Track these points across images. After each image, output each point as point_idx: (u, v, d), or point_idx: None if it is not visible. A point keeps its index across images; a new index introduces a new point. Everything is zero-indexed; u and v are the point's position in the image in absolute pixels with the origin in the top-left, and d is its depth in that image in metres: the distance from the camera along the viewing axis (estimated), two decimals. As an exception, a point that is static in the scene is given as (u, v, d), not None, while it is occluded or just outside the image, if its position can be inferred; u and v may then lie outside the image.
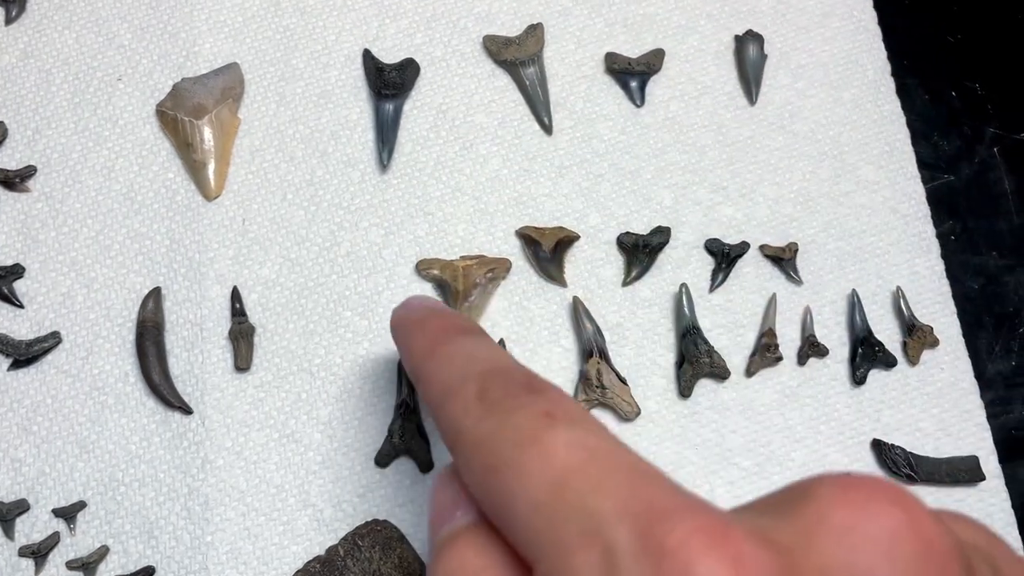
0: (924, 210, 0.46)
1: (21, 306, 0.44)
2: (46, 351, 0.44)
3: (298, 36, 0.49)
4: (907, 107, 0.48)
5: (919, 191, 0.46)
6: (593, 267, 0.45)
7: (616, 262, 0.46)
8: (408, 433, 0.42)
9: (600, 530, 0.19)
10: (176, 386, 0.43)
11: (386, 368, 0.44)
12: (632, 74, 0.48)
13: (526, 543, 0.20)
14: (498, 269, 0.45)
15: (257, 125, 0.48)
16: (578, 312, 0.44)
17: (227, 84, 0.47)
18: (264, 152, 0.47)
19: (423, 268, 0.45)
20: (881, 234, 0.46)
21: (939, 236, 0.46)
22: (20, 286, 0.45)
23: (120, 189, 0.46)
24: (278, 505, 0.42)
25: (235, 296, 0.44)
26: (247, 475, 0.42)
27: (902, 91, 0.48)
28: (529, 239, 0.45)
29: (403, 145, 0.47)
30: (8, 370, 0.43)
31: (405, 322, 0.31)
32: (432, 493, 0.25)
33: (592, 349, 0.43)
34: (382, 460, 0.42)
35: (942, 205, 0.47)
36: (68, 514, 0.42)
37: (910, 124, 0.47)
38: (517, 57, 0.48)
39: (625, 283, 0.45)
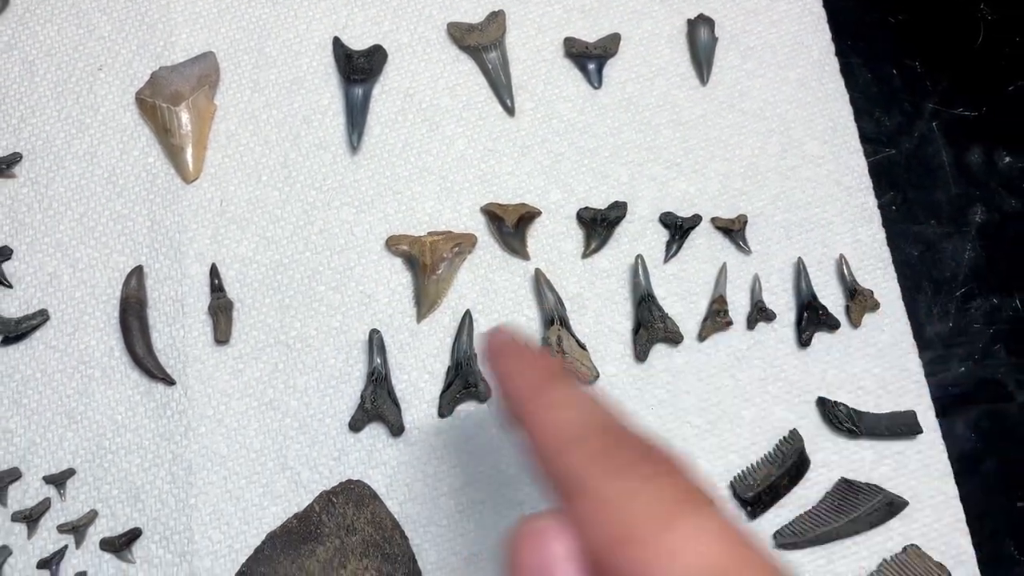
0: (866, 182, 0.49)
1: (10, 286, 0.47)
2: (35, 328, 0.46)
3: (271, 25, 0.51)
4: (851, 85, 0.50)
5: (862, 164, 0.49)
6: (554, 241, 0.48)
7: (576, 236, 0.48)
8: (379, 399, 0.44)
9: None
10: (159, 359, 0.45)
11: (358, 339, 0.46)
12: (590, 57, 0.50)
13: None
14: (464, 244, 0.47)
15: (232, 111, 0.50)
16: (540, 283, 0.46)
17: (203, 72, 0.49)
18: (239, 136, 0.49)
19: (392, 244, 0.47)
20: (825, 205, 0.48)
21: (881, 207, 0.48)
22: (8, 267, 0.47)
23: (102, 173, 0.49)
24: (257, 469, 0.44)
25: (214, 273, 0.46)
26: (228, 441, 0.45)
27: (846, 70, 0.51)
28: (493, 215, 0.47)
29: (372, 128, 0.49)
30: (-2, 346, 0.46)
31: (507, 350, 0.30)
32: (514, 550, 0.23)
33: (553, 317, 0.46)
34: (356, 425, 0.44)
35: (884, 177, 0.49)
36: (58, 481, 0.44)
37: (853, 101, 0.50)
38: (480, 43, 0.50)
39: (584, 255, 0.48)
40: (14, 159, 0.48)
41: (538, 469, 0.25)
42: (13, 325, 0.46)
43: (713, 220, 0.48)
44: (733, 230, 0.48)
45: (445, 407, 0.45)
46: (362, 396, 0.44)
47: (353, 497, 0.41)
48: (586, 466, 0.23)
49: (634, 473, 0.22)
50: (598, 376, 0.45)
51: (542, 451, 0.25)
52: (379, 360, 0.45)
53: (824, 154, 0.49)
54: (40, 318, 0.46)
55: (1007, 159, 0.50)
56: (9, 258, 0.47)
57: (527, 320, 0.47)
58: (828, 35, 0.51)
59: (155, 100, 0.49)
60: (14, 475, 0.44)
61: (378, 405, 0.44)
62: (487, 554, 0.43)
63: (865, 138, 0.49)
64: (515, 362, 0.28)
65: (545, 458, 0.24)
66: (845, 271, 0.47)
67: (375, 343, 0.45)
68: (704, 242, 0.48)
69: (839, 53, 0.51)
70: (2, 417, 0.45)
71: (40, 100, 0.50)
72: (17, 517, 0.43)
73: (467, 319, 0.46)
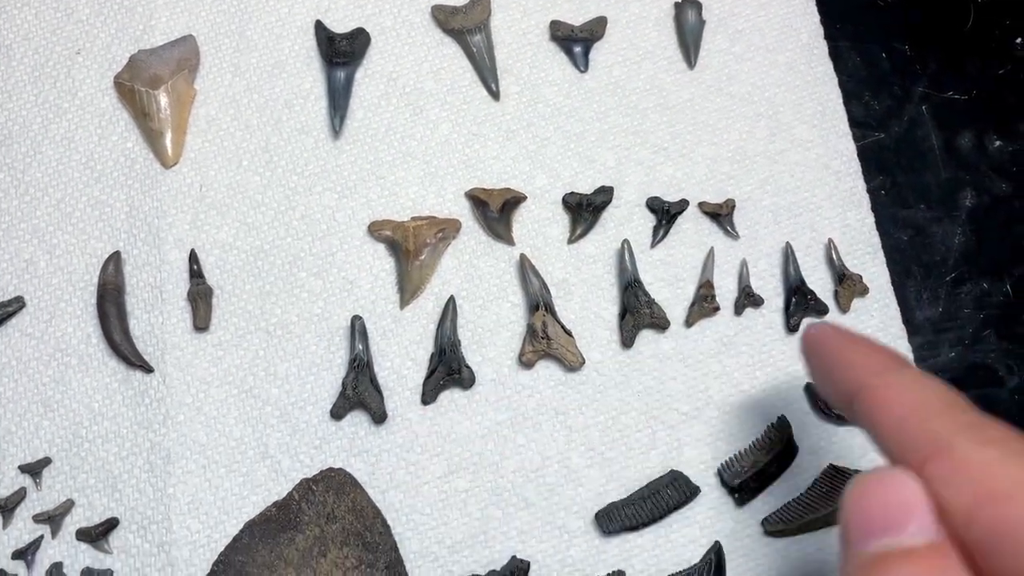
0: (855, 166, 0.48)
1: (-15, 272, 0.46)
2: (10, 315, 0.45)
3: (252, 8, 0.50)
4: (839, 68, 0.50)
5: (851, 148, 0.48)
6: (540, 226, 0.47)
7: (562, 221, 0.47)
8: (362, 386, 0.44)
9: None
10: (137, 346, 0.45)
11: (339, 326, 0.45)
12: (576, 41, 0.50)
13: None
14: (448, 229, 0.46)
15: (213, 95, 0.49)
16: (525, 268, 0.46)
17: (183, 55, 0.49)
18: (220, 121, 0.49)
19: (375, 229, 0.46)
20: (814, 189, 0.48)
21: (870, 191, 0.48)
22: (-17, 253, 0.46)
23: (80, 158, 0.48)
24: (237, 457, 0.44)
25: (193, 258, 0.46)
26: (207, 429, 0.44)
27: (835, 53, 0.50)
28: (478, 200, 0.47)
29: (355, 112, 0.49)
30: (-27, 334, 0.45)
31: (839, 341, 0.31)
32: (859, 496, 0.24)
33: (538, 303, 0.45)
34: (337, 412, 0.44)
35: (873, 161, 0.49)
36: (34, 470, 0.43)
37: (842, 84, 0.49)
38: (464, 25, 0.49)
39: (570, 241, 0.47)
40: (-10, 144, 0.47)
41: (884, 442, 0.26)
42: (-12, 312, 0.45)
43: (700, 205, 0.47)
44: (721, 215, 0.47)
45: (429, 394, 0.44)
46: (343, 383, 0.44)
47: (333, 485, 0.41)
48: (955, 432, 0.24)
49: (1005, 446, 0.23)
50: (584, 363, 0.44)
51: (889, 423, 0.26)
52: (361, 347, 0.44)
53: (813, 138, 0.48)
54: (16, 305, 0.45)
55: (997, 143, 0.49)
56: (-16, 244, 0.46)
57: (512, 306, 0.46)
58: (817, 18, 0.50)
59: (133, 84, 0.48)
60: (-11, 464, 0.43)
61: (360, 392, 0.43)
62: (469, 543, 0.43)
63: (854, 122, 0.49)
64: (848, 349, 0.30)
65: (894, 429, 0.25)
66: (834, 256, 0.46)
67: (357, 329, 0.44)
68: (691, 227, 0.47)
69: (828, 36, 0.50)
70: (-23, 406, 0.44)
71: (17, 84, 0.49)
72: (-8, 507, 0.43)
73: (451, 305, 0.45)
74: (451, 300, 0.46)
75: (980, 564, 0.22)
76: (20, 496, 0.43)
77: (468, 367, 0.45)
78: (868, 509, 0.24)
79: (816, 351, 0.32)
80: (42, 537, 0.42)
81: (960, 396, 0.26)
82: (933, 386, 0.26)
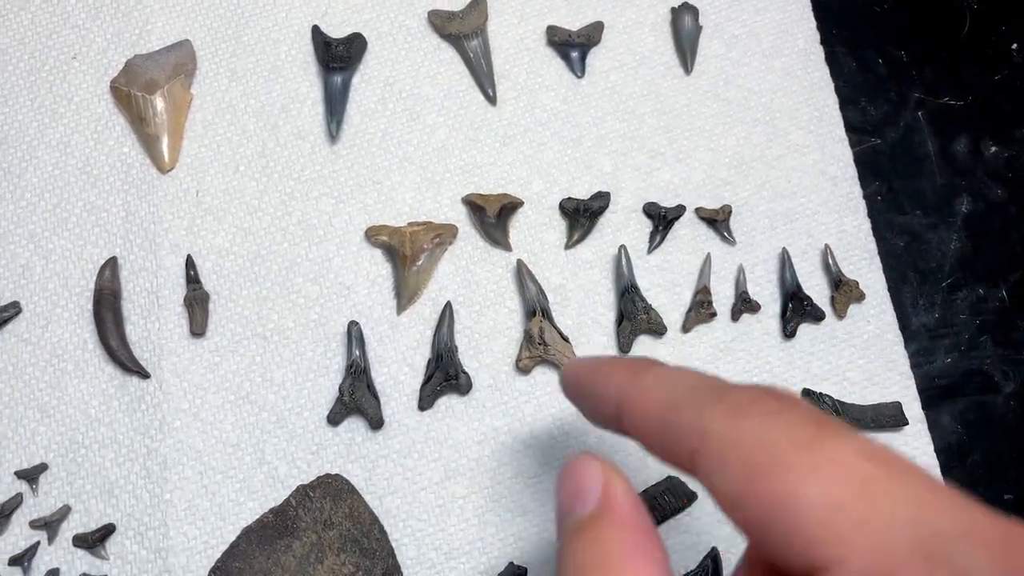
0: (852, 172, 0.48)
1: (-19, 278, 0.46)
2: (6, 320, 0.45)
3: (249, 13, 0.50)
4: (836, 74, 0.50)
5: (847, 154, 0.49)
6: (537, 231, 0.47)
7: (559, 226, 0.47)
8: (359, 392, 0.44)
9: (946, 551, 0.18)
10: (134, 352, 0.45)
11: (336, 331, 0.45)
12: (573, 46, 0.50)
13: (819, 542, 0.20)
14: (445, 235, 0.46)
15: (209, 100, 0.49)
16: (522, 274, 0.46)
17: (179, 60, 0.49)
18: (216, 126, 0.48)
19: (372, 235, 0.46)
20: (811, 195, 0.48)
21: (866, 196, 0.48)
22: (-21, 259, 0.46)
23: (76, 163, 0.48)
24: (234, 463, 0.44)
25: (189, 264, 0.46)
26: (204, 435, 0.44)
27: (831, 59, 0.50)
28: (475, 206, 0.47)
29: (352, 117, 0.49)
30: (-31, 339, 0.45)
31: (590, 366, 0.30)
32: (560, 479, 0.25)
33: (535, 308, 0.45)
34: (334, 419, 0.44)
35: (869, 167, 0.49)
36: (30, 476, 0.43)
37: (838, 90, 0.50)
38: (461, 31, 0.49)
39: (567, 246, 0.47)
40: (-15, 149, 0.47)
41: (654, 448, 0.25)
42: (-16, 318, 0.45)
43: (697, 210, 0.47)
44: (717, 220, 0.47)
45: (426, 400, 0.44)
46: (340, 389, 0.44)
47: (331, 491, 0.41)
48: (708, 417, 0.23)
49: (757, 411, 0.22)
50: (580, 368, 0.44)
51: (651, 426, 0.25)
52: (358, 352, 0.44)
53: (809, 144, 0.49)
54: (12, 310, 0.45)
55: (993, 148, 0.49)
56: (-20, 249, 0.46)
57: (509, 312, 0.46)
58: (813, 24, 0.51)
59: (130, 88, 0.48)
60: (-15, 471, 0.43)
61: (357, 398, 0.43)
62: (467, 549, 0.43)
63: (850, 127, 0.49)
64: (599, 370, 0.29)
65: (657, 431, 0.25)
66: (830, 261, 0.46)
67: (354, 335, 0.44)
68: (688, 232, 0.47)
69: (824, 42, 0.50)
70: (-27, 412, 0.44)
71: (12, 89, 0.49)
72: (-13, 513, 0.42)
73: (448, 310, 0.45)
74: (448, 305, 0.46)
75: (766, 552, 0.21)
76: (17, 502, 0.43)
77: (465, 373, 0.45)
78: (563, 489, 0.25)
79: (574, 383, 0.31)
80: (39, 543, 0.42)
81: (713, 377, 0.25)
82: (680, 377, 0.25)
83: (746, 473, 0.21)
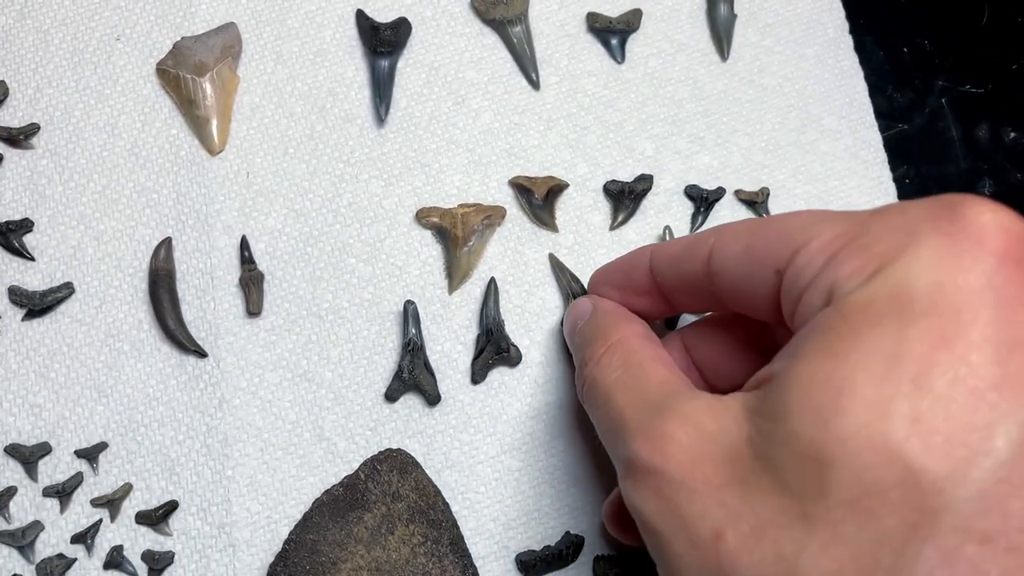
0: (881, 156, 0.50)
1: (32, 259, 0.46)
2: (60, 301, 0.45)
3: (292, -3, 0.51)
4: (864, 62, 0.52)
5: (877, 139, 0.50)
6: (582, 213, 0.49)
7: (603, 208, 0.49)
8: (417, 369, 0.44)
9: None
10: (190, 331, 0.45)
11: (389, 311, 0.46)
12: (613, 32, 0.51)
13: (798, 231, 0.29)
14: (494, 216, 0.48)
15: (256, 83, 0.49)
16: (554, 267, 0.47)
17: (226, 43, 0.49)
18: (264, 109, 0.49)
19: (423, 216, 0.47)
20: (843, 178, 0.50)
21: (895, 180, 0.50)
22: (30, 240, 0.46)
23: (124, 145, 0.48)
24: (294, 440, 0.44)
25: (244, 245, 0.46)
26: (263, 413, 0.44)
27: (859, 48, 0.52)
28: (522, 188, 0.48)
29: (398, 101, 0.49)
30: (23, 320, 0.45)
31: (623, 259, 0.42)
32: (566, 315, 0.43)
33: (569, 295, 0.46)
34: (392, 395, 0.45)
35: (897, 152, 0.51)
36: (90, 455, 0.43)
37: (867, 78, 0.51)
38: (504, 16, 0.50)
39: (612, 227, 0.48)
40: (32, 130, 0.47)
41: (738, 282, 0.32)
42: (37, 299, 0.45)
43: (736, 192, 0.49)
44: (756, 202, 0.49)
45: (478, 373, 0.45)
46: (399, 366, 0.45)
47: (397, 465, 0.42)
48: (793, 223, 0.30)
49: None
50: (630, 345, 0.46)
51: (739, 255, 0.32)
52: (414, 330, 0.45)
53: (841, 129, 0.50)
54: (65, 291, 0.45)
55: (1012, 135, 0.52)
56: (30, 230, 0.46)
57: (556, 291, 0.47)
58: (842, 13, 0.52)
59: (178, 71, 0.48)
60: (44, 449, 0.43)
61: (415, 375, 0.44)
62: (523, 520, 0.44)
63: (879, 113, 0.51)
64: (682, 243, 0.37)
65: (744, 252, 0.32)
66: (864, 242, 0.48)
67: (410, 313, 0.45)
68: (728, 214, 0.49)
69: (853, 31, 0.52)
70: (29, 392, 0.44)
71: (56, 70, 0.49)
72: (49, 492, 0.43)
73: (492, 286, 0.46)
74: (492, 281, 0.47)
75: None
76: (77, 481, 0.43)
77: (515, 345, 0.46)
78: (568, 318, 0.41)
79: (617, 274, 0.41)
80: (100, 521, 0.43)
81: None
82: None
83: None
